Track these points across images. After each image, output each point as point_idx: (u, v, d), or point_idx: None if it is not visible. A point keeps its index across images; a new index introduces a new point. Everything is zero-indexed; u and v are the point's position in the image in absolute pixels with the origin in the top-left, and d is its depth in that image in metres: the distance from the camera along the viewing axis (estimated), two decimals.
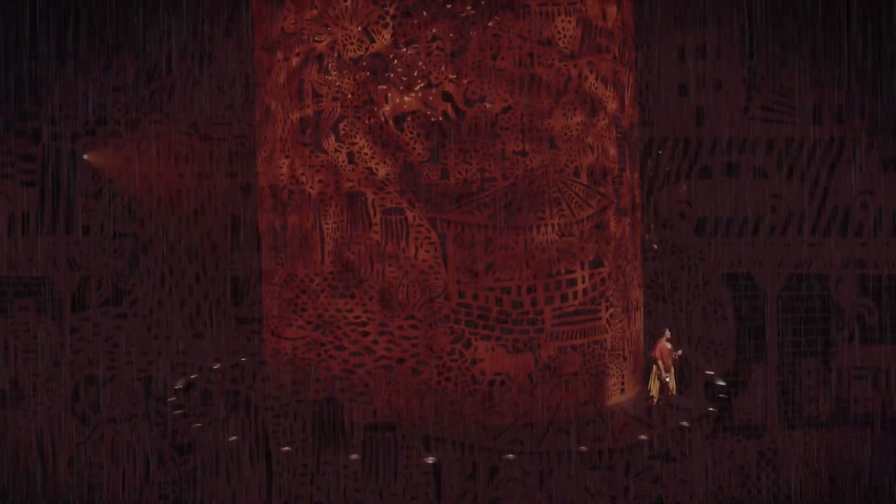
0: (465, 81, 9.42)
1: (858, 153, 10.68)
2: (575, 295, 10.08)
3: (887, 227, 10.68)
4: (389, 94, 9.64)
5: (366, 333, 9.89)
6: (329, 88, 9.87)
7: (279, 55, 10.06)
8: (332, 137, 9.76)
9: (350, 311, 9.83)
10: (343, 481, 10.68)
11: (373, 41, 9.63)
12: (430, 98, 9.55)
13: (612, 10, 10.16)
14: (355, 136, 9.71)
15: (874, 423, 10.61)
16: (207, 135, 10.64)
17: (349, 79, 9.74)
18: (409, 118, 9.63)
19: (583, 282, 10.23)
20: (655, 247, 10.52)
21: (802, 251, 10.64)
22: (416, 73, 9.66)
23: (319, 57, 9.78)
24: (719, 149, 10.69)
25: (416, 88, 9.61)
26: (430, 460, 10.37)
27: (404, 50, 9.62)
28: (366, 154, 9.77)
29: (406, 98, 9.62)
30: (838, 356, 10.64)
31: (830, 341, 10.64)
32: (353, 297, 9.78)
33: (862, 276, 10.66)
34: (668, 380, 10.31)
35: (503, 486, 10.74)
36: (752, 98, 10.69)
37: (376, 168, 9.69)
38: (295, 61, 10.03)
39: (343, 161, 9.82)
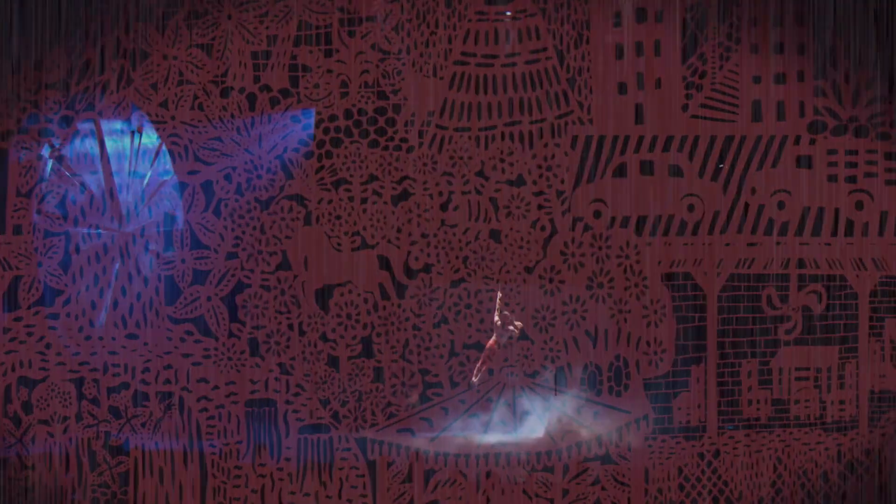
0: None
1: (783, 152, 10.58)
2: None
3: (827, 226, 10.56)
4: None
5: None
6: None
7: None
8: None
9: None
10: (277, 483, 10.62)
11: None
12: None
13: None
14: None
15: (814, 423, 10.52)
16: (140, 132, 10.51)
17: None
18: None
19: None
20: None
21: (742, 251, 10.52)
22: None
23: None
24: (659, 147, 10.59)
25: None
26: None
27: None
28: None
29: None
30: (778, 357, 10.54)
31: (770, 342, 10.53)
32: None
33: (802, 276, 10.55)
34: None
35: (439, 489, 10.67)
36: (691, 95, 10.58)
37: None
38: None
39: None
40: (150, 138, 10.53)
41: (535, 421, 10.37)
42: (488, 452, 10.41)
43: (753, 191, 10.45)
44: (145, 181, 10.54)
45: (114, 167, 10.52)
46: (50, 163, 10.44)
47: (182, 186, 10.48)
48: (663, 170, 10.51)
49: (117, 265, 10.45)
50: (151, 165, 10.52)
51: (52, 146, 10.44)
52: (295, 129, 10.50)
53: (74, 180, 10.49)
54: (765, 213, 10.52)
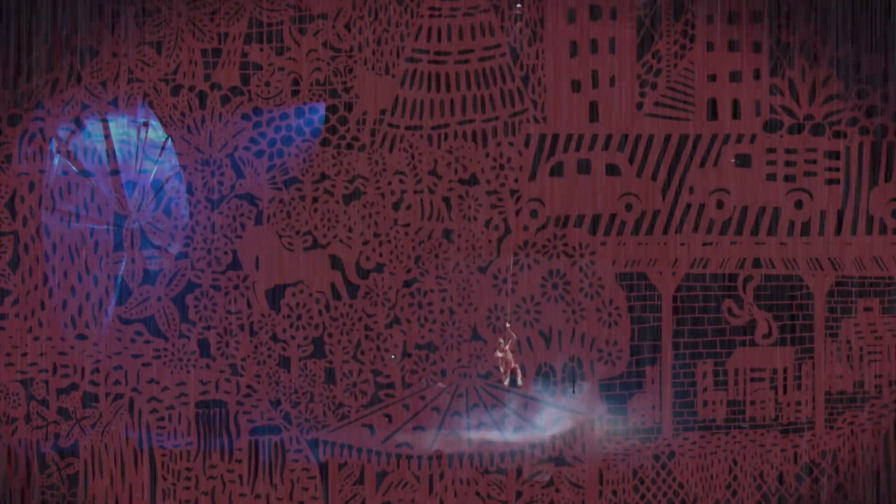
0: None
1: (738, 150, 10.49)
2: None
3: (783, 226, 10.47)
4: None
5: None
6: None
7: None
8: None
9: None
10: (228, 485, 10.55)
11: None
12: None
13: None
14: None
15: (770, 425, 10.43)
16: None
17: None
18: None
19: None
20: None
21: (697, 250, 10.43)
22: None
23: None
24: (613, 146, 10.49)
25: None
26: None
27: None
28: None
29: None
30: (734, 357, 10.44)
31: (726, 342, 10.43)
32: None
33: (758, 276, 10.45)
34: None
35: (392, 491, 10.61)
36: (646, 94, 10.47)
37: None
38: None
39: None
40: (156, 133, 10.45)
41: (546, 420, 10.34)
42: (443, 453, 10.33)
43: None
44: (151, 175, 10.47)
45: (120, 162, 10.43)
46: (57, 158, 10.36)
47: (132, 185, 10.42)
48: (618, 169, 10.42)
49: (124, 261, 10.39)
50: (157, 160, 10.45)
51: (59, 141, 10.36)
52: (246, 127, 10.42)
53: (81, 175, 10.40)
54: (719, 213, 10.42)
